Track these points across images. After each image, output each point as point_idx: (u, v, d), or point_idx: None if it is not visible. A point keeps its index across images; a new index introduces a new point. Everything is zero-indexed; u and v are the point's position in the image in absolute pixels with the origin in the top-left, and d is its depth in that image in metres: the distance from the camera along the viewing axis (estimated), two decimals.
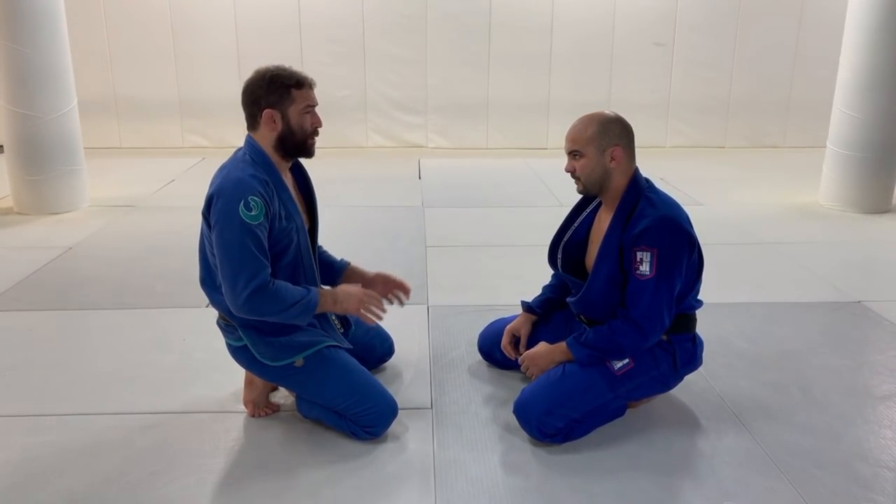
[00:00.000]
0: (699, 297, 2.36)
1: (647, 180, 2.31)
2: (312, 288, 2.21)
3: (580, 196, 2.44)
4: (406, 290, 2.53)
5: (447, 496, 2.01)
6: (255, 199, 2.08)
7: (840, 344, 3.02)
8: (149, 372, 2.72)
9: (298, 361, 2.23)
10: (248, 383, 2.41)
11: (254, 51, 7.06)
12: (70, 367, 2.76)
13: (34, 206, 4.86)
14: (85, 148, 5.09)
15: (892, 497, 2.02)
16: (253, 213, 2.07)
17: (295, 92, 2.19)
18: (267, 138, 2.21)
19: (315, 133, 2.26)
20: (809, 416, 2.44)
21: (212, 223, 2.12)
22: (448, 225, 4.74)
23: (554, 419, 2.20)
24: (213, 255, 2.17)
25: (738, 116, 7.66)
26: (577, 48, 7.40)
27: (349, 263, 2.59)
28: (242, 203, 2.06)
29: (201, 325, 3.06)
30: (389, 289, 2.50)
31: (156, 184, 5.82)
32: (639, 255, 2.16)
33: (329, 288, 2.27)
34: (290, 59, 7.85)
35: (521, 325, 2.61)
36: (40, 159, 4.78)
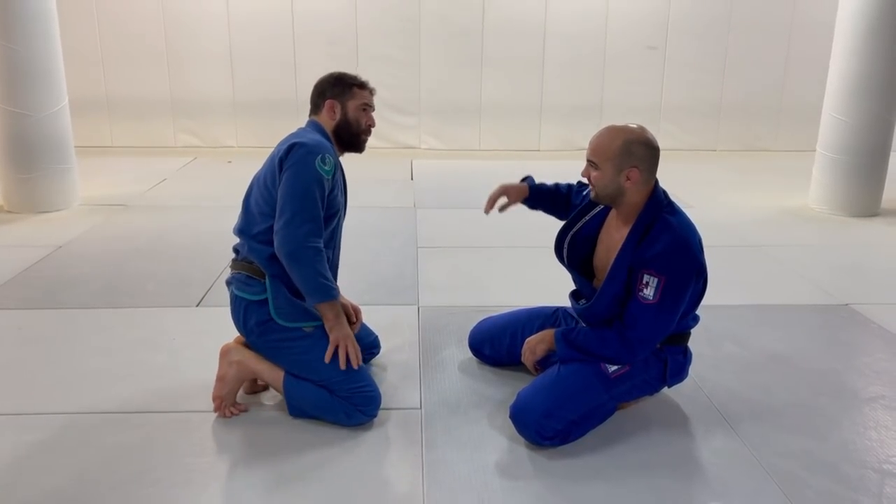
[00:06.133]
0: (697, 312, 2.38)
1: (666, 195, 2.26)
2: (338, 288, 2.35)
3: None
4: (352, 324, 2.60)
5: (435, 496, 2.01)
6: (330, 157, 2.30)
7: (828, 346, 3.04)
8: (138, 371, 2.71)
9: (308, 328, 2.32)
10: (220, 379, 2.40)
11: (247, 51, 7.05)
12: (59, 366, 2.75)
13: (24, 205, 4.84)
14: (76, 147, 5.07)
15: (877, 498, 2.04)
16: (326, 167, 2.27)
17: (357, 90, 2.45)
18: (327, 124, 2.44)
19: (368, 131, 2.50)
20: (797, 418, 2.46)
21: (286, 166, 2.26)
22: (440, 226, 4.74)
23: (553, 421, 2.20)
24: (266, 203, 2.29)
25: (730, 120, 7.69)
26: (570, 51, 7.41)
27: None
28: (320, 157, 2.26)
29: (191, 324, 3.06)
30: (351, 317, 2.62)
31: (147, 183, 5.80)
32: (645, 277, 2.14)
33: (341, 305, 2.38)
34: (283, 60, 7.84)
35: (516, 192, 2.56)
36: (31, 158, 4.76)
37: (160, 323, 3.15)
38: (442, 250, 4.25)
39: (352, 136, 2.46)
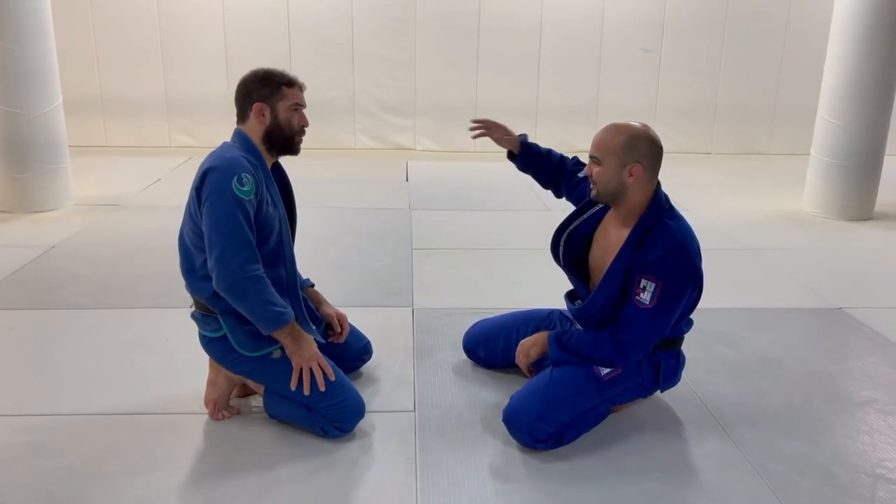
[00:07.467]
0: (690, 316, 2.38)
1: (667, 199, 2.25)
2: (291, 310, 2.21)
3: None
4: (337, 333, 2.57)
5: (429, 498, 2.01)
6: (248, 176, 2.15)
7: (821, 350, 3.05)
8: (131, 372, 2.70)
9: (276, 353, 2.24)
10: (211, 383, 2.40)
11: (242, 51, 7.04)
12: (51, 366, 2.74)
13: (17, 204, 4.82)
14: (70, 146, 5.06)
15: (869, 502, 2.05)
16: (245, 188, 2.13)
17: (286, 89, 2.29)
18: (255, 131, 2.28)
19: (301, 132, 2.34)
20: (790, 421, 2.46)
21: (203, 197, 2.15)
22: (435, 228, 4.74)
23: (546, 424, 2.20)
24: (196, 234, 2.19)
25: (725, 123, 7.71)
26: (566, 52, 7.43)
27: (313, 285, 2.64)
28: (236, 178, 2.12)
29: (184, 325, 3.03)
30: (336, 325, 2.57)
31: (141, 183, 5.78)
32: (643, 282, 2.13)
33: (300, 329, 2.26)
34: (278, 60, 7.84)
35: (504, 136, 2.71)
36: (24, 157, 4.74)
37: (153, 324, 3.13)
38: (437, 252, 4.25)
39: (285, 140, 2.30)
